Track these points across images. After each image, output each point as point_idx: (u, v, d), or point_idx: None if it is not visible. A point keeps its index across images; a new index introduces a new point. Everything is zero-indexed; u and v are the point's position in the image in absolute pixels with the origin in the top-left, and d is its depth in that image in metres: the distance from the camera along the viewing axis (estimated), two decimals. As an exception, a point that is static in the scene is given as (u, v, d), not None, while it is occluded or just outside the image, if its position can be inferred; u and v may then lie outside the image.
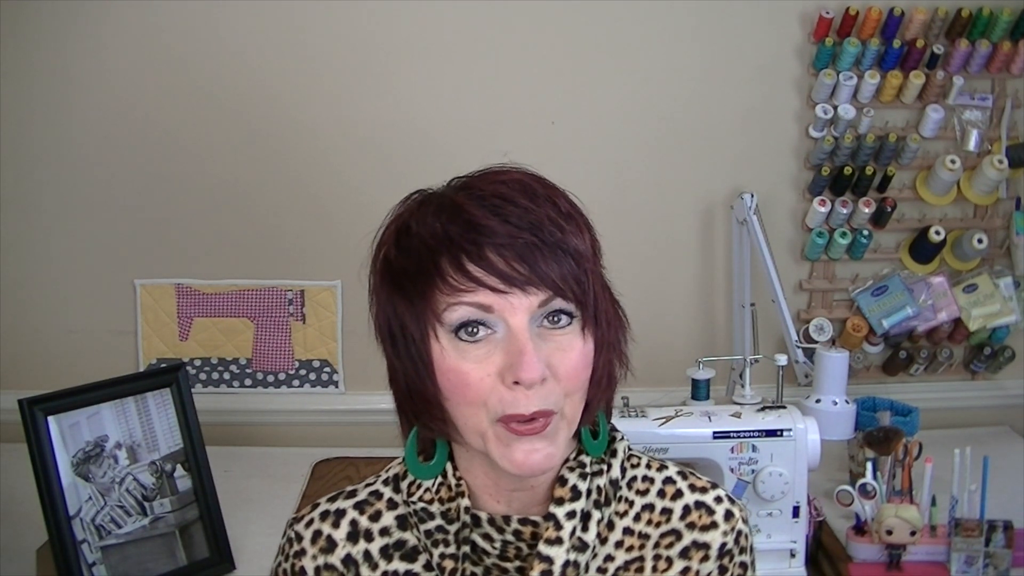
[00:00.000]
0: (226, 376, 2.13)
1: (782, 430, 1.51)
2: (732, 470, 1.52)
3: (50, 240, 2.08)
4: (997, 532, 1.49)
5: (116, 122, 2.02)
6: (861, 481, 1.57)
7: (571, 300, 0.81)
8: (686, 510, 0.92)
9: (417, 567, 0.90)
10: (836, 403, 1.90)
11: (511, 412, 0.79)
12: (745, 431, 1.51)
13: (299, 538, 0.92)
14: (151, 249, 2.08)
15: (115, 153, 2.04)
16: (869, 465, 1.59)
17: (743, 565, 0.95)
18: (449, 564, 0.88)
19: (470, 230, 0.79)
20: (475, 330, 0.80)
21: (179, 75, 2.00)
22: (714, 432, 1.51)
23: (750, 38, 2.04)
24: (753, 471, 1.51)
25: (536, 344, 0.79)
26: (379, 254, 0.86)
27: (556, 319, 0.81)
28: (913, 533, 1.50)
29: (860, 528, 1.57)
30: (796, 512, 1.53)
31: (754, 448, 1.51)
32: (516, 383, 0.78)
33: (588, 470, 0.89)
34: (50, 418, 1.43)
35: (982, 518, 1.50)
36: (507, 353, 0.79)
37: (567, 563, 0.85)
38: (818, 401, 1.91)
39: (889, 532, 1.50)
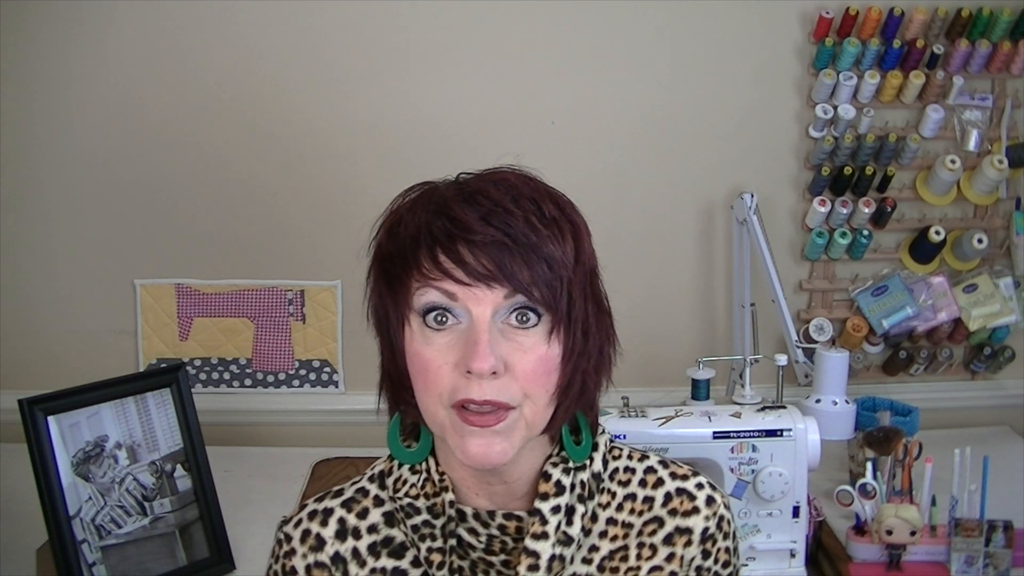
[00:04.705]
0: (226, 376, 2.13)
1: (782, 430, 1.51)
2: (732, 470, 1.52)
3: (50, 240, 2.07)
4: (997, 532, 1.48)
5: (116, 122, 2.02)
6: (861, 481, 1.56)
7: (538, 302, 0.82)
8: (667, 497, 0.94)
9: (404, 563, 0.92)
10: (836, 403, 1.90)
11: (462, 397, 0.81)
12: (745, 431, 1.51)
13: (288, 539, 0.94)
14: (151, 249, 2.08)
15: (115, 153, 2.04)
16: (869, 465, 1.59)
17: (728, 551, 0.95)
18: (436, 558, 0.89)
19: (449, 224, 0.81)
20: (443, 318, 0.82)
21: (179, 75, 2.01)
22: (714, 432, 1.51)
23: (750, 38, 2.04)
24: (753, 471, 1.51)
25: (494, 338, 0.81)
26: (374, 241, 0.89)
27: (524, 318, 0.82)
28: (913, 533, 1.50)
29: (860, 528, 1.57)
30: (796, 512, 1.53)
31: (754, 448, 1.51)
32: (469, 372, 0.80)
33: (571, 465, 0.90)
34: (50, 418, 1.43)
35: (982, 518, 1.50)
36: (465, 343, 0.81)
37: (553, 557, 0.87)
38: (818, 401, 1.91)
39: (889, 532, 1.50)
